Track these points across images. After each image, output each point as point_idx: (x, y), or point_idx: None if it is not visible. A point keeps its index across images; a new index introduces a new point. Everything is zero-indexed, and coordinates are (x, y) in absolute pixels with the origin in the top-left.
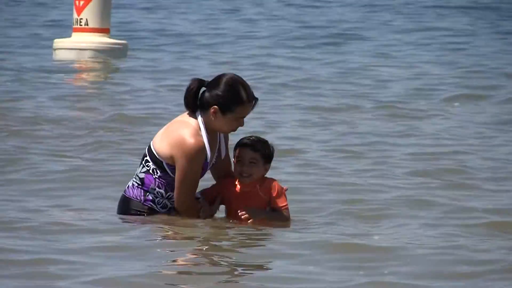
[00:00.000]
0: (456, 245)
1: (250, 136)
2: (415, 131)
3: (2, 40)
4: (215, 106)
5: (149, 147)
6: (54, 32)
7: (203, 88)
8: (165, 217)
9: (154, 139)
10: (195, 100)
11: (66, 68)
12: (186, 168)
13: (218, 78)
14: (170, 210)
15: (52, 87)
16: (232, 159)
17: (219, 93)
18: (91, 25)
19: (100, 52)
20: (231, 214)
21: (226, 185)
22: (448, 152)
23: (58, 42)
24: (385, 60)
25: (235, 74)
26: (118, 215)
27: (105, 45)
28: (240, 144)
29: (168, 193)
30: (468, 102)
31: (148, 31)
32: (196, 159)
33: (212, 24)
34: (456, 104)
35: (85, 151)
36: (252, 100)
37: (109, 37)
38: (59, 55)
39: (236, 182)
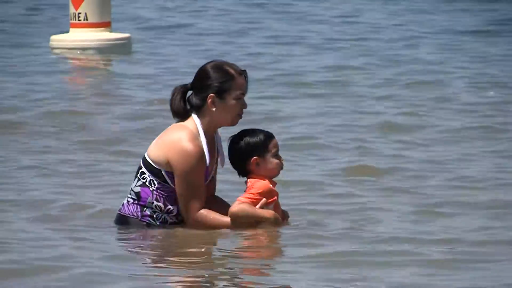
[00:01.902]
0: None
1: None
2: None
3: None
4: (211, 94)
5: (144, 158)
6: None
7: (189, 93)
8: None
9: (148, 149)
10: (183, 107)
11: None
12: (187, 177)
13: (200, 72)
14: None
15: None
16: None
17: (208, 80)
18: (91, 19)
19: (101, 49)
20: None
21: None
22: None
23: (55, 40)
24: None
25: (212, 60)
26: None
27: (107, 42)
28: (272, 136)
29: (168, 207)
30: None
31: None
32: (195, 165)
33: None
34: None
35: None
36: (242, 73)
37: (111, 31)
38: (57, 53)
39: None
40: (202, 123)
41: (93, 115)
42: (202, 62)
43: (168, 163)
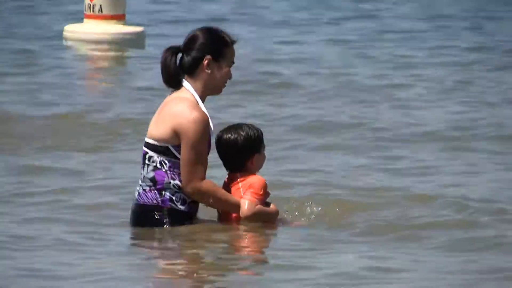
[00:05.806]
0: None
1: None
2: None
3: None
4: (208, 56)
5: (146, 142)
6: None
7: (179, 55)
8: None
9: (148, 131)
10: (175, 71)
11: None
12: (194, 144)
13: (193, 34)
14: (190, 206)
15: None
16: None
17: (204, 41)
18: (105, 11)
19: (114, 43)
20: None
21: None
22: None
23: (69, 31)
24: None
25: (206, 26)
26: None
27: (120, 35)
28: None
29: None
30: None
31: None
32: (203, 131)
33: None
34: None
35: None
36: (234, 42)
37: (124, 24)
38: (70, 43)
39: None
40: (196, 90)
41: None
42: None
43: (174, 136)
